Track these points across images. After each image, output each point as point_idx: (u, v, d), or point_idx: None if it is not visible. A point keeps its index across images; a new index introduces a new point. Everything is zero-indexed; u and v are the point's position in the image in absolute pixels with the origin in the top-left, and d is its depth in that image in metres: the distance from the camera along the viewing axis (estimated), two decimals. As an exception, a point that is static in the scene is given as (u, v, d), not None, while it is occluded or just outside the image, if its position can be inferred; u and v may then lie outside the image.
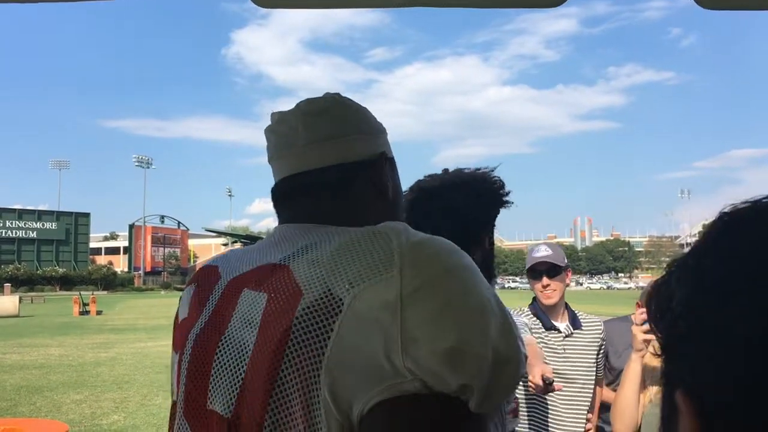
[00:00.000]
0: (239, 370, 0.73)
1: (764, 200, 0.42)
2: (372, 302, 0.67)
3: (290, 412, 0.68)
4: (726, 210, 0.41)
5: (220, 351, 0.77)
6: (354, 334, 0.67)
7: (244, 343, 0.74)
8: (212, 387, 0.76)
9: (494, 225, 1.56)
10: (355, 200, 0.88)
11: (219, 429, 0.73)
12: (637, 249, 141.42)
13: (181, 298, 0.95)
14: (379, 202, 0.90)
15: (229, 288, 0.83)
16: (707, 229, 0.42)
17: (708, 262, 0.40)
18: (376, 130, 0.93)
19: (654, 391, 2.05)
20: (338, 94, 0.93)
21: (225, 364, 0.75)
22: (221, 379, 0.75)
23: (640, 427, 2.04)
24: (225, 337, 0.77)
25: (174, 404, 0.86)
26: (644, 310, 2.09)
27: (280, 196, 0.92)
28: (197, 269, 0.97)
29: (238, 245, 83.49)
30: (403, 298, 0.66)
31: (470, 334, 0.67)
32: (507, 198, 1.53)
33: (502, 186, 1.53)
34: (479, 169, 1.55)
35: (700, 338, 0.39)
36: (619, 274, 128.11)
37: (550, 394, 2.19)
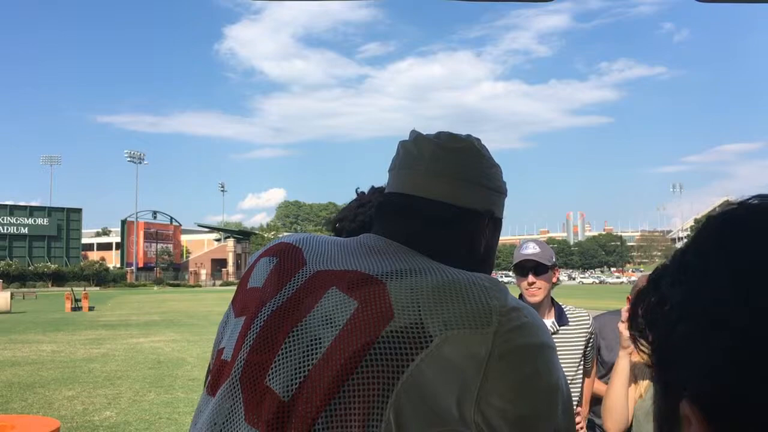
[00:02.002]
0: (308, 361, 0.76)
1: (751, 201, 0.42)
2: (461, 350, 0.72)
3: (347, 419, 0.71)
4: (717, 212, 0.41)
5: (292, 336, 0.79)
6: (433, 372, 0.71)
7: (319, 339, 0.77)
8: (275, 366, 0.78)
9: None
10: (448, 242, 0.90)
11: (271, 406, 0.76)
12: (629, 243, 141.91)
13: (255, 264, 0.95)
14: (468, 253, 0.92)
15: (316, 279, 0.85)
16: (701, 230, 0.42)
17: (709, 263, 0.40)
18: (496, 189, 0.95)
19: (645, 386, 2.05)
20: (479, 141, 0.96)
21: (295, 350, 0.78)
22: (287, 362, 0.78)
23: (632, 423, 2.05)
24: (301, 325, 0.80)
25: (223, 363, 0.87)
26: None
27: (386, 208, 0.95)
28: (278, 243, 0.97)
29: (230, 241, 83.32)
30: (491, 357, 0.72)
31: (541, 410, 0.75)
32: None
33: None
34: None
35: (707, 340, 0.38)
36: (611, 269, 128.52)
37: None
